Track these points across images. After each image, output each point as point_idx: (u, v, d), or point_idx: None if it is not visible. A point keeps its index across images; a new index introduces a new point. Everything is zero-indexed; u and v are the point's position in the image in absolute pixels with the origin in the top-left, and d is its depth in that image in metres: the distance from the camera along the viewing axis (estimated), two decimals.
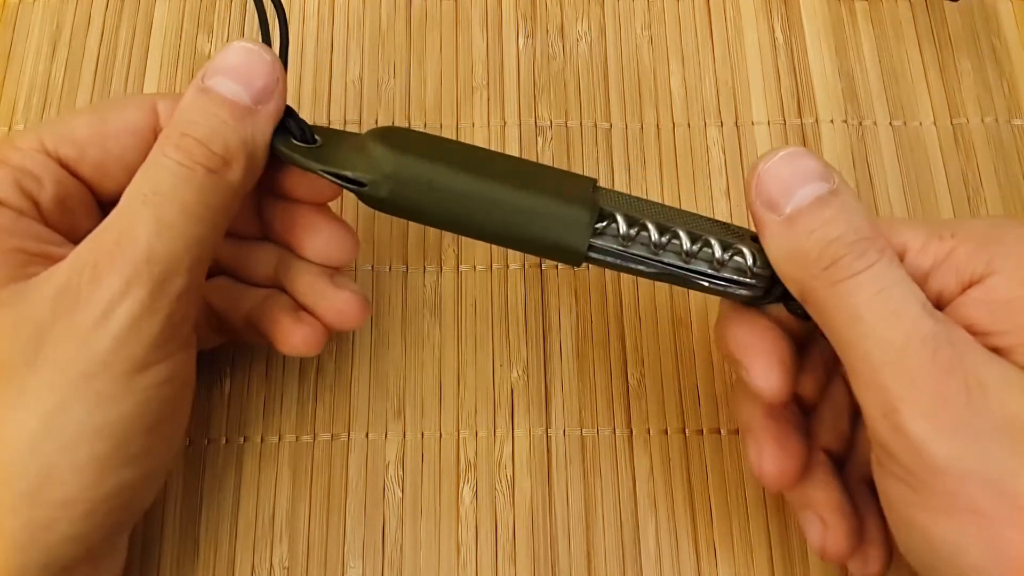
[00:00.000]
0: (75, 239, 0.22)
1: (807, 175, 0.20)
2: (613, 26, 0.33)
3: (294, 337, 0.24)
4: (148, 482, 0.22)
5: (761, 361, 0.22)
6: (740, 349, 0.22)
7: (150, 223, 0.20)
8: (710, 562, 0.27)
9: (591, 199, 0.22)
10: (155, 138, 0.23)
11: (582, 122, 0.32)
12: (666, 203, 0.23)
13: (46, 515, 0.19)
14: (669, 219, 0.22)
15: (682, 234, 0.22)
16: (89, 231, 0.23)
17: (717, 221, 0.23)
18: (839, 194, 0.20)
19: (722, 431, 0.28)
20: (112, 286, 0.19)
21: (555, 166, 0.25)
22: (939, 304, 0.21)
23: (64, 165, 0.22)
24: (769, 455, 0.22)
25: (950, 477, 0.18)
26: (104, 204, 0.24)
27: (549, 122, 0.32)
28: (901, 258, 0.21)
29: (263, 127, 0.22)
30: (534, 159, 0.31)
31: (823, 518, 0.22)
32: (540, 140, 0.32)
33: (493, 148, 0.31)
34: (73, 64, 0.33)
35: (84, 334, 0.19)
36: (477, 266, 0.30)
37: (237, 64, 0.21)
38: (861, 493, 0.23)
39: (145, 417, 0.20)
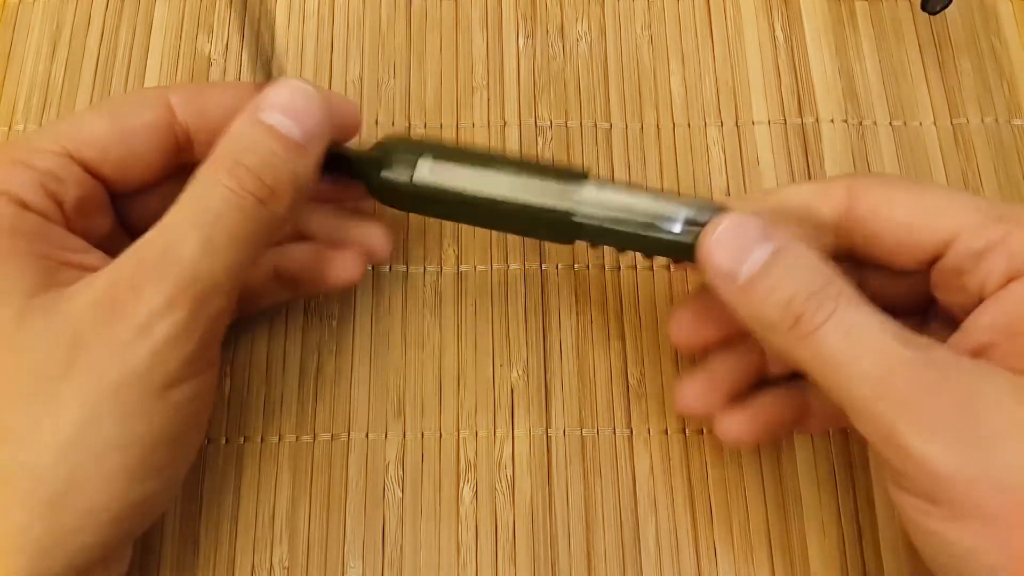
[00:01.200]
0: (92, 240, 0.23)
1: (752, 241, 0.21)
2: (613, 26, 0.33)
3: (345, 261, 0.26)
4: (167, 491, 0.23)
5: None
6: None
7: (198, 243, 0.20)
8: (710, 562, 0.27)
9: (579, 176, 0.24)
10: (172, 134, 0.24)
11: (582, 122, 0.32)
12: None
13: (71, 522, 0.20)
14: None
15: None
16: (105, 232, 0.24)
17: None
18: (785, 254, 0.21)
19: None
20: (154, 301, 0.20)
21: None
22: (982, 295, 0.21)
23: (86, 167, 0.23)
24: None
25: (958, 486, 0.18)
26: (117, 199, 0.24)
27: (549, 122, 0.32)
28: (949, 243, 0.22)
29: (310, 163, 0.22)
30: (534, 159, 0.31)
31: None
32: (540, 140, 0.32)
33: (493, 148, 0.31)
34: (73, 64, 0.33)
35: (122, 346, 0.20)
36: (477, 266, 0.30)
37: (291, 102, 0.22)
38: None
39: (171, 431, 0.21)
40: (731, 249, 0.21)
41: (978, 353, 0.21)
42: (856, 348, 0.20)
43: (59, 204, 0.22)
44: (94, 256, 0.22)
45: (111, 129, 0.23)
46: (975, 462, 0.18)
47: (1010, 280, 0.21)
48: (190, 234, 0.20)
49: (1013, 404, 0.19)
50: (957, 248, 0.22)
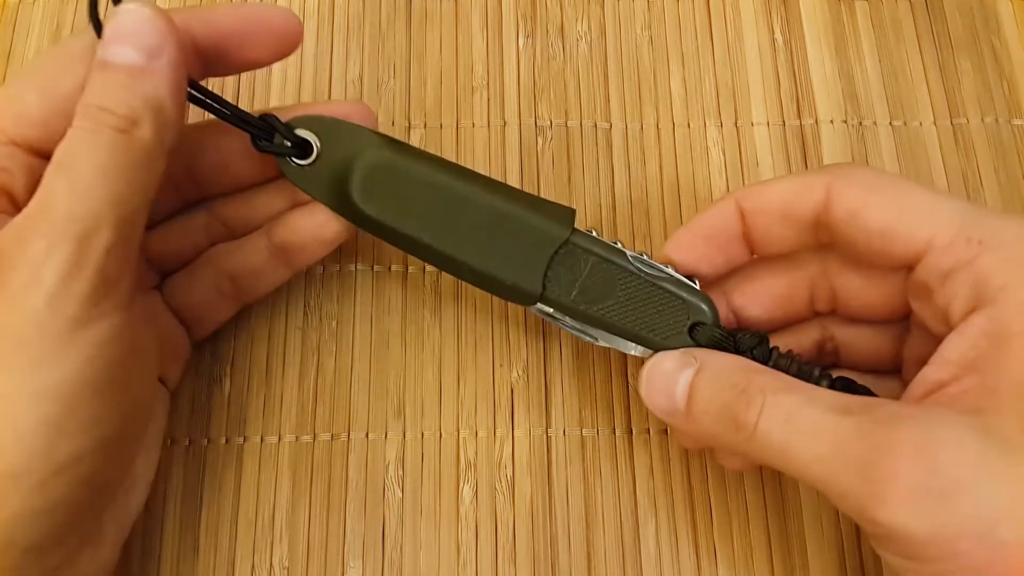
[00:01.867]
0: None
1: (673, 374, 0.23)
2: (613, 26, 0.33)
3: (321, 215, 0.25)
4: (108, 456, 0.21)
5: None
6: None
7: (64, 185, 0.20)
8: (710, 562, 0.27)
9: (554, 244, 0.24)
10: None
11: (582, 122, 0.32)
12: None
13: None
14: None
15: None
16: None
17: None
18: (704, 370, 0.23)
19: None
20: (37, 247, 0.19)
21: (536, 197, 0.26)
22: (948, 318, 0.21)
23: (30, 148, 0.22)
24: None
25: (934, 546, 0.18)
26: None
27: (549, 122, 0.32)
28: (922, 255, 0.21)
29: (162, 81, 0.21)
30: (534, 159, 0.31)
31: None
32: (540, 140, 0.32)
33: (493, 148, 0.31)
34: None
35: (15, 297, 0.19)
36: None
37: (124, 29, 0.21)
38: None
39: (91, 379, 0.20)
40: (661, 387, 0.23)
41: (943, 387, 0.21)
42: (799, 434, 0.20)
43: (9, 194, 0.22)
44: None
45: (44, 102, 0.22)
46: (946, 519, 0.18)
47: (972, 310, 0.20)
48: (56, 178, 0.20)
49: (973, 447, 0.19)
50: (926, 264, 0.21)
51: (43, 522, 0.20)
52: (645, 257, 0.24)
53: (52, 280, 0.19)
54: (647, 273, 0.24)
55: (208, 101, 0.23)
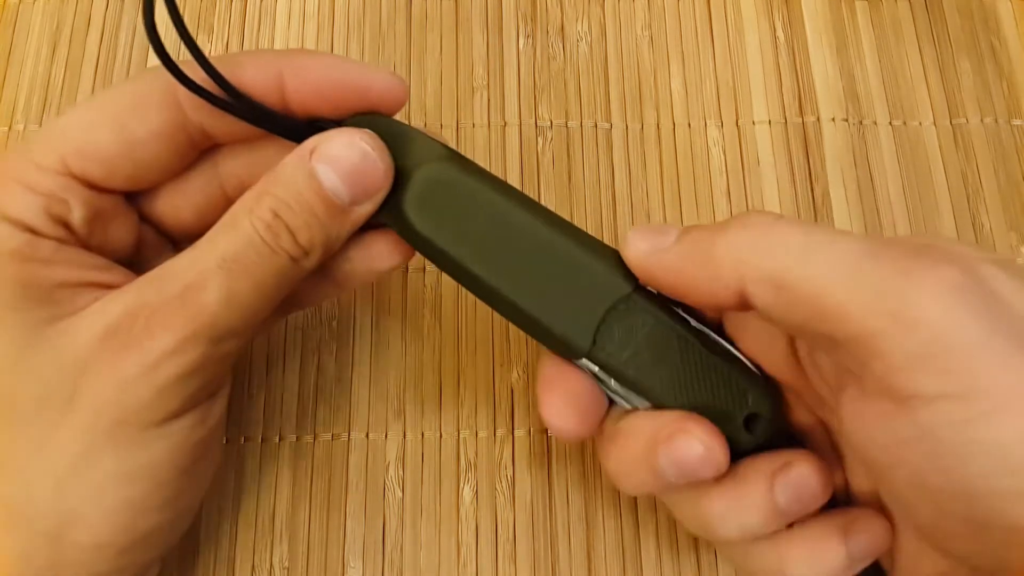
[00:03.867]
0: (115, 250, 0.22)
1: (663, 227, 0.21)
2: (613, 26, 0.33)
3: (387, 243, 0.23)
4: (182, 520, 0.22)
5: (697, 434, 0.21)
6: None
7: (222, 291, 0.19)
8: (711, 563, 0.27)
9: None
10: (186, 136, 0.22)
11: (582, 122, 0.32)
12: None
13: (74, 555, 0.19)
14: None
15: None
16: (124, 241, 0.22)
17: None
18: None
19: None
20: (166, 341, 0.19)
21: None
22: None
23: (91, 184, 0.21)
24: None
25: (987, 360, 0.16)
26: (135, 198, 0.23)
27: (549, 122, 0.32)
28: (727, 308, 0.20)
29: (352, 227, 0.21)
30: (534, 159, 0.31)
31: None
32: (540, 140, 0.32)
33: (493, 148, 0.31)
34: (73, 64, 0.33)
35: (126, 383, 0.19)
36: None
37: (349, 161, 0.20)
38: None
39: (177, 460, 0.20)
40: (645, 232, 0.21)
41: (876, 495, 0.20)
42: (823, 237, 0.18)
43: (66, 225, 0.21)
44: (115, 273, 0.21)
45: (115, 142, 0.21)
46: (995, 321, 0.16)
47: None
48: (214, 280, 0.19)
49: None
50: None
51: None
52: (709, 332, 0.22)
53: (170, 378, 0.19)
54: (709, 348, 0.22)
55: (251, 110, 0.21)
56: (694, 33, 0.33)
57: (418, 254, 0.23)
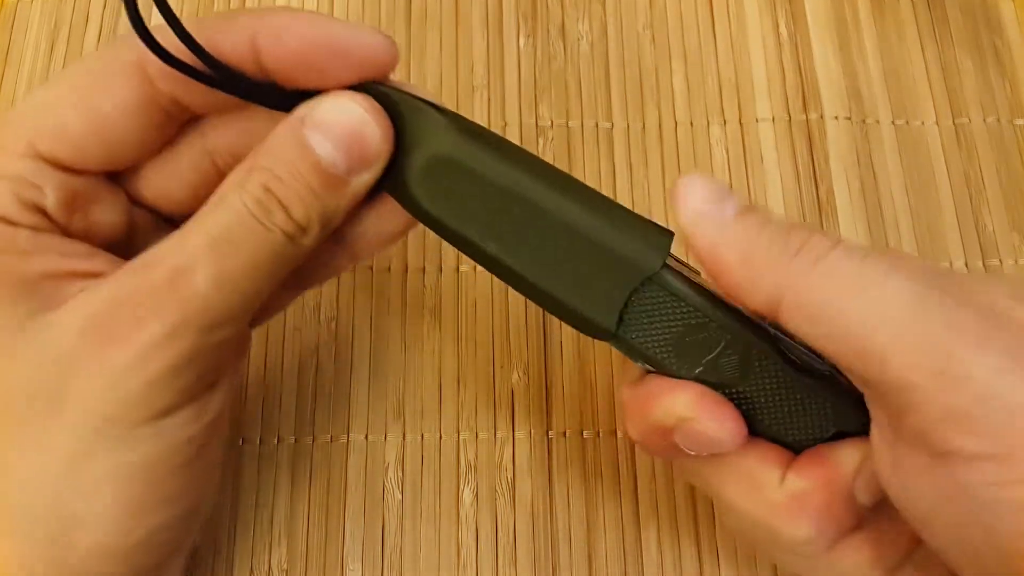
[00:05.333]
0: (100, 240, 0.21)
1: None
2: (614, 25, 0.33)
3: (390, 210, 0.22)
4: (190, 519, 0.21)
5: (711, 409, 0.20)
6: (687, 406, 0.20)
7: (212, 274, 0.18)
8: (712, 564, 0.27)
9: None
10: (156, 105, 0.20)
11: (583, 122, 0.32)
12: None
13: (75, 562, 0.18)
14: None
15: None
16: (110, 226, 0.21)
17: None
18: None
19: None
20: (155, 330, 0.18)
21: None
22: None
23: (61, 166, 0.20)
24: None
25: None
26: (122, 180, 0.22)
27: (550, 122, 0.32)
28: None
29: (351, 200, 0.20)
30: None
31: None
32: (541, 140, 0.31)
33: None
34: (72, 62, 0.32)
35: (115, 375, 0.18)
36: (477, 267, 0.30)
37: (344, 126, 0.19)
38: None
39: (175, 457, 0.19)
40: (715, 186, 0.19)
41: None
42: (876, 271, 0.17)
43: (41, 211, 0.19)
44: (101, 260, 0.20)
45: (82, 120, 0.19)
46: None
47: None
48: (203, 262, 0.18)
49: None
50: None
51: None
52: (783, 336, 0.20)
53: (159, 371, 0.18)
54: (792, 354, 0.20)
55: (231, 81, 0.19)
56: (696, 31, 0.33)
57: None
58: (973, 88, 0.33)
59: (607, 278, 0.19)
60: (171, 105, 0.20)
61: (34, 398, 0.18)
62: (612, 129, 0.32)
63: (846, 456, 0.20)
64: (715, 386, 0.20)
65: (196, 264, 0.18)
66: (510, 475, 0.27)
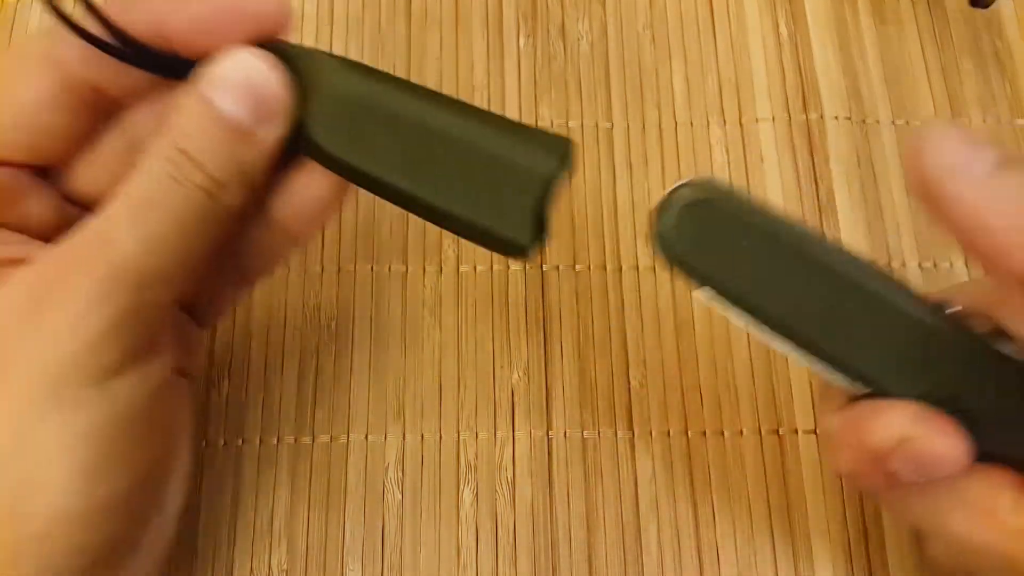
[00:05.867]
0: (33, 228, 0.21)
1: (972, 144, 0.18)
2: (614, 25, 0.33)
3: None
4: (152, 488, 0.21)
5: (934, 426, 0.18)
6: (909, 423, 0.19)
7: (137, 236, 0.19)
8: (712, 565, 0.26)
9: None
10: (74, 93, 0.21)
11: (583, 122, 0.32)
12: None
13: (37, 529, 0.18)
14: None
15: None
16: (41, 216, 0.21)
17: None
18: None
19: (725, 433, 0.28)
20: (88, 289, 0.18)
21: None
22: None
23: None
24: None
25: None
26: (53, 177, 0.22)
27: (550, 122, 0.32)
28: None
29: (264, 152, 0.20)
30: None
31: None
32: None
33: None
34: None
35: (55, 337, 0.18)
36: (477, 266, 0.30)
37: (241, 79, 0.20)
38: None
39: (127, 422, 0.19)
40: (967, 140, 0.17)
41: None
42: None
43: None
44: (32, 248, 0.21)
45: (2, 112, 0.20)
46: None
47: None
48: (128, 225, 0.19)
49: None
50: None
51: (87, 556, 0.19)
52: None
53: (98, 329, 0.18)
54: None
55: (138, 53, 0.20)
56: (696, 31, 0.33)
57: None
58: (973, 88, 0.33)
59: (514, 191, 0.20)
60: (88, 92, 0.21)
61: None
62: (612, 129, 0.32)
63: None
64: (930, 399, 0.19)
65: (120, 227, 0.19)
66: (510, 475, 0.27)
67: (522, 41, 0.33)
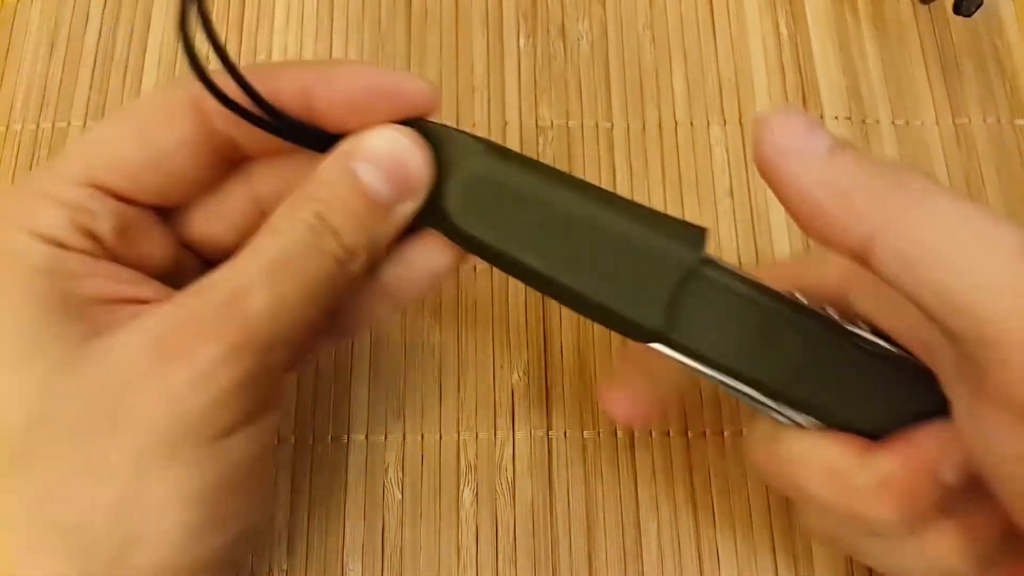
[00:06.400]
0: (148, 268, 0.22)
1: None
2: (614, 25, 0.33)
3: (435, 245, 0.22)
4: (243, 540, 0.21)
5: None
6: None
7: (269, 297, 0.19)
8: (712, 565, 0.26)
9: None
10: (213, 147, 0.21)
11: (583, 122, 0.32)
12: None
13: None
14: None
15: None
16: (163, 256, 0.22)
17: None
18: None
19: (725, 433, 0.28)
20: (216, 351, 0.18)
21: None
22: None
23: (118, 196, 0.21)
24: None
25: None
26: (171, 219, 0.23)
27: (550, 122, 0.32)
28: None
29: (396, 228, 0.21)
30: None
31: None
32: (541, 140, 0.31)
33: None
34: (71, 63, 0.32)
35: (176, 396, 0.18)
36: (478, 267, 0.30)
37: (388, 156, 0.20)
38: None
39: (232, 480, 0.19)
40: (805, 121, 0.18)
41: None
42: (983, 219, 0.17)
43: (94, 238, 0.20)
44: (151, 287, 0.21)
45: (140, 153, 0.21)
46: None
47: None
48: (261, 284, 0.19)
49: None
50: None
51: None
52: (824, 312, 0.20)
53: (221, 390, 0.18)
54: (860, 339, 0.20)
55: (284, 125, 0.20)
56: (696, 31, 0.33)
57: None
58: (973, 88, 0.33)
59: (648, 278, 0.20)
60: (225, 145, 0.21)
61: (93, 419, 0.18)
62: (612, 129, 0.32)
63: (927, 435, 0.19)
64: (783, 381, 0.20)
65: (254, 287, 0.19)
66: (510, 475, 0.27)
67: (522, 41, 0.33)
